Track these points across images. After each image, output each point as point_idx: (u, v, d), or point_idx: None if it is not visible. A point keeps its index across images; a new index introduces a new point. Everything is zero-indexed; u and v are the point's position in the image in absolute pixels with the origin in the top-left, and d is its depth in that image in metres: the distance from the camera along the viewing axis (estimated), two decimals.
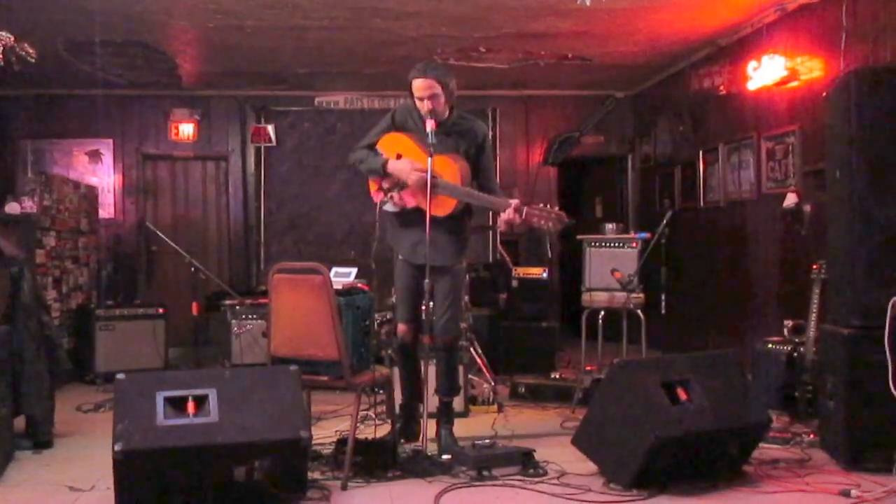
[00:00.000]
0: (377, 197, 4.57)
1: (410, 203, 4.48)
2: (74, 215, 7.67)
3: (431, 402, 4.50)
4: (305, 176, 9.35)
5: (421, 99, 4.40)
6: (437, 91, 4.39)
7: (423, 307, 4.45)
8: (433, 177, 4.32)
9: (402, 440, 4.63)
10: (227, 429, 3.55)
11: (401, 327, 4.66)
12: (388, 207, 4.56)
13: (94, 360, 7.08)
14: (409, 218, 4.53)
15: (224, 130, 9.37)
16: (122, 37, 7.04)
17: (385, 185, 4.51)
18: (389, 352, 5.87)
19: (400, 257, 4.67)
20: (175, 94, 9.17)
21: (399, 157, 4.50)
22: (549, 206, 4.27)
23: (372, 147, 4.62)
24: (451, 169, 4.40)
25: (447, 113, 4.52)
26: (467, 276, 6.45)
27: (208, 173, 9.51)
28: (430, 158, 4.26)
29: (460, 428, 4.79)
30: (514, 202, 4.27)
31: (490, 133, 8.72)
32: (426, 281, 4.26)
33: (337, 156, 9.21)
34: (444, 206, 4.41)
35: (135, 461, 3.41)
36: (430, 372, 4.47)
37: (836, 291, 4.50)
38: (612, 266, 6.15)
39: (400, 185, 4.48)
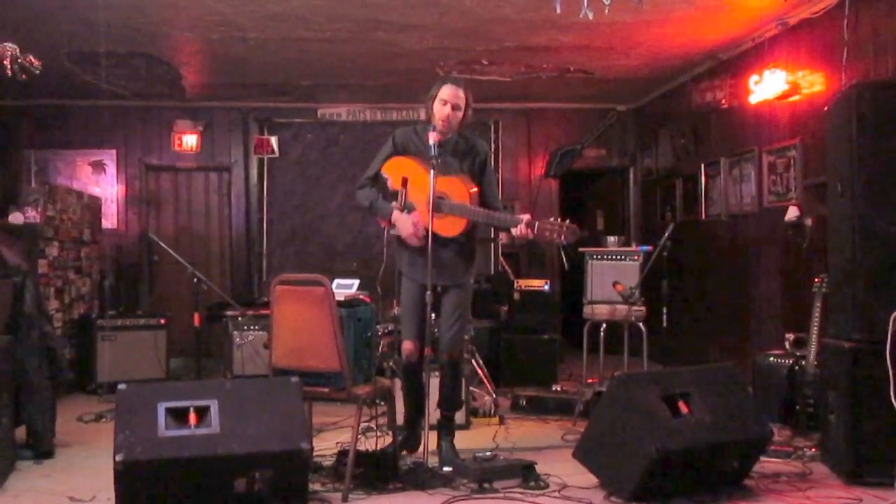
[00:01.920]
0: (384, 222, 4.58)
1: (415, 242, 4.49)
2: (77, 226, 7.69)
3: (433, 413, 4.50)
4: (308, 187, 9.38)
5: (445, 103, 4.44)
6: (461, 104, 4.46)
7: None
8: (440, 197, 4.34)
9: (405, 451, 4.62)
10: (229, 440, 3.55)
11: (406, 345, 4.64)
12: (396, 231, 4.58)
13: (96, 371, 7.07)
14: None
15: (227, 142, 9.39)
16: (126, 48, 7.07)
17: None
18: (391, 363, 5.87)
19: (407, 277, 4.67)
20: (178, 105, 9.20)
21: (405, 180, 4.48)
22: (559, 219, 4.28)
23: (376, 177, 4.61)
24: (459, 189, 4.43)
25: (449, 133, 4.54)
26: None
27: (211, 184, 9.53)
28: (433, 171, 4.28)
29: (461, 440, 4.79)
30: (526, 217, 4.29)
31: (492, 146, 8.75)
32: (427, 293, 4.26)
33: (339, 167, 9.25)
34: (453, 227, 4.42)
35: (136, 472, 3.42)
36: (433, 383, 4.48)
37: (838, 305, 4.50)
38: (613, 279, 6.17)
39: (408, 208, 4.49)
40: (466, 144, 4.61)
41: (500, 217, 4.43)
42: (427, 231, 4.34)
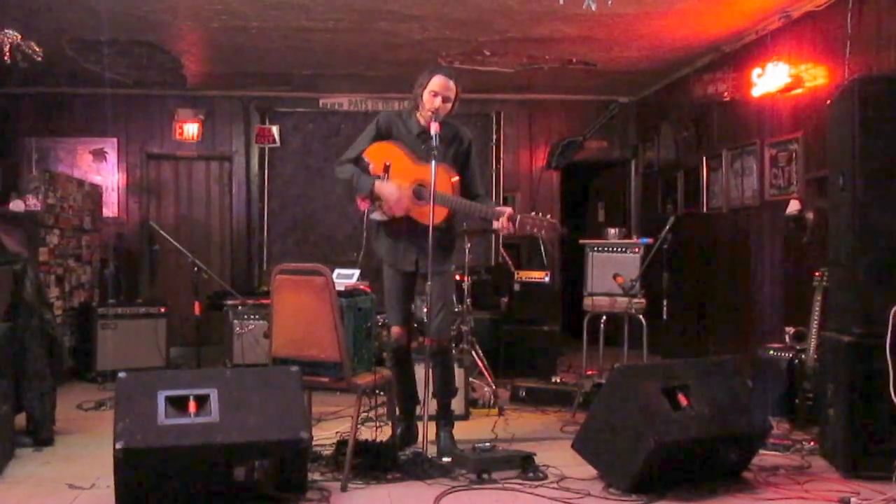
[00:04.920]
0: (363, 206, 4.55)
1: (398, 212, 4.49)
2: (78, 214, 7.69)
3: (431, 405, 4.50)
4: (309, 177, 9.34)
5: (436, 95, 4.42)
6: (452, 96, 4.45)
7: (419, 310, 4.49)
8: (423, 186, 4.34)
9: (404, 445, 4.63)
10: (228, 429, 3.56)
11: (395, 330, 4.65)
12: (376, 216, 4.56)
13: (96, 359, 7.09)
14: (396, 226, 4.54)
15: (228, 131, 9.39)
16: (128, 36, 7.06)
17: (372, 195, 4.52)
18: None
19: (387, 265, 4.68)
20: (180, 93, 9.19)
21: (387, 167, 4.46)
22: (541, 214, 4.27)
23: (358, 159, 4.57)
24: (441, 178, 4.39)
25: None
26: (470, 280, 6.47)
27: (212, 173, 9.53)
28: (433, 161, 4.26)
29: (461, 431, 4.80)
30: (508, 211, 4.27)
31: (493, 137, 8.74)
32: (428, 284, 4.26)
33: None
34: (435, 215, 4.40)
35: (135, 460, 3.42)
36: (428, 374, 4.48)
37: (838, 299, 4.50)
38: (614, 271, 6.17)
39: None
40: (450, 132, 4.58)
41: (481, 209, 4.41)
42: (409, 204, 4.39)
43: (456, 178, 4.48)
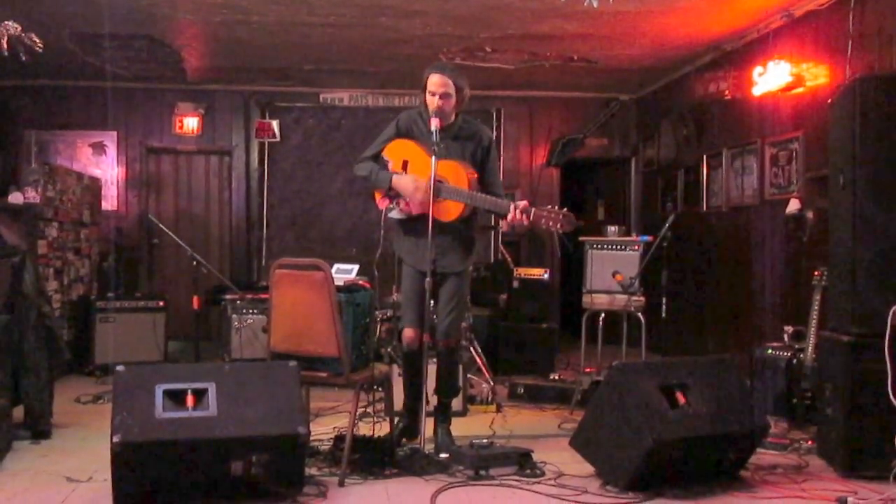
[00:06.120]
0: (382, 204, 4.57)
1: (416, 209, 4.49)
2: (77, 207, 7.68)
3: (430, 400, 4.50)
4: (309, 172, 9.35)
5: (433, 94, 4.43)
6: (451, 91, 4.43)
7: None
8: (438, 181, 4.33)
9: (405, 439, 4.63)
10: (226, 423, 3.56)
11: (407, 332, 4.63)
12: (394, 214, 4.57)
13: (94, 352, 7.09)
14: (415, 224, 4.53)
15: (228, 125, 9.38)
16: (129, 29, 7.05)
17: (391, 192, 4.52)
18: (389, 349, 5.88)
19: (406, 264, 4.67)
20: (180, 87, 9.17)
21: (405, 163, 4.51)
22: (556, 207, 4.27)
23: (377, 157, 4.61)
24: (457, 173, 4.41)
25: (453, 117, 4.53)
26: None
27: (212, 167, 9.52)
28: (433, 157, 4.27)
29: (458, 427, 4.79)
30: (522, 204, 4.28)
31: (494, 134, 8.75)
32: (427, 280, 4.26)
33: (340, 153, 9.21)
34: (450, 211, 4.41)
35: (133, 453, 3.42)
36: (430, 370, 4.48)
37: (837, 298, 4.50)
38: (613, 268, 6.17)
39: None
40: (470, 129, 4.60)
41: (497, 202, 4.42)
42: (425, 197, 4.35)
43: (474, 175, 4.49)
